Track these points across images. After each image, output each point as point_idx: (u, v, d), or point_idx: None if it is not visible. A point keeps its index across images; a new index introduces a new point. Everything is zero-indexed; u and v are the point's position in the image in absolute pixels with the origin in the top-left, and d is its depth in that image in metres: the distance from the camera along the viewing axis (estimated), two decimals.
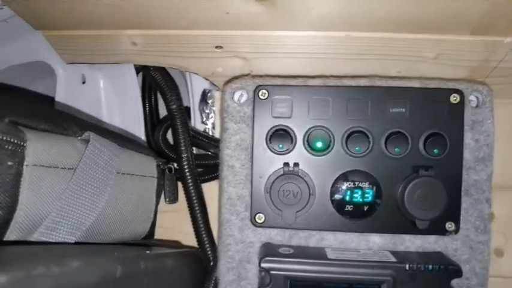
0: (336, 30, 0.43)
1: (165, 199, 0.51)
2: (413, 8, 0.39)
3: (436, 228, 0.43)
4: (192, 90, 0.54)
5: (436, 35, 0.43)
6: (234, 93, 0.45)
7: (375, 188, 0.43)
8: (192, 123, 0.54)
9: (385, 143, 0.43)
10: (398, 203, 0.43)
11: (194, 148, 0.53)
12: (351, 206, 0.44)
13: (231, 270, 0.45)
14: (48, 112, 0.41)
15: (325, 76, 0.46)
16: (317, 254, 0.42)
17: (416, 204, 0.42)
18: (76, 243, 0.36)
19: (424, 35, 0.43)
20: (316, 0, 0.38)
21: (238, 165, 0.45)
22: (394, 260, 0.41)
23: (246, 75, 0.48)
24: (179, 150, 0.49)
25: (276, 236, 0.45)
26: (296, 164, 0.44)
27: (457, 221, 0.43)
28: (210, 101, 0.52)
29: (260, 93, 0.44)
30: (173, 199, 0.52)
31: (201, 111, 0.53)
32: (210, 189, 0.51)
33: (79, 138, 0.39)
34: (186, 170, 0.49)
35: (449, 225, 0.43)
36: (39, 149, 0.33)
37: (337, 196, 0.44)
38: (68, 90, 0.55)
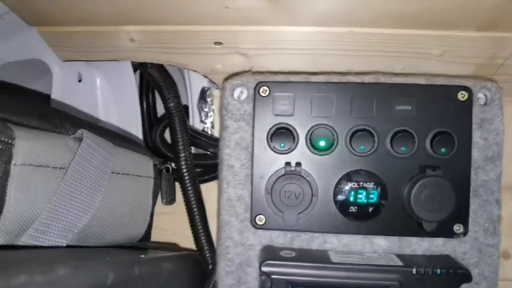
0: (339, 26, 0.42)
1: (162, 200, 0.51)
2: (417, 3, 0.38)
3: (444, 230, 0.42)
4: (191, 88, 0.53)
5: (442, 31, 0.42)
6: (234, 90, 0.44)
7: (380, 188, 0.43)
8: (191, 122, 0.54)
9: (391, 141, 0.42)
10: (405, 204, 0.42)
11: (193, 147, 0.52)
12: (355, 207, 0.43)
13: (230, 273, 0.44)
14: (41, 110, 0.41)
15: (328, 72, 0.45)
16: (320, 258, 0.41)
17: (423, 206, 0.41)
18: (68, 246, 0.35)
19: (429, 31, 0.42)
20: None
21: (238, 165, 0.44)
22: (400, 263, 0.40)
23: (247, 71, 0.47)
24: (177, 150, 0.49)
25: (277, 238, 0.44)
26: (298, 164, 0.43)
27: (465, 223, 0.42)
28: (209, 100, 0.52)
29: (261, 90, 0.43)
30: (170, 200, 0.51)
31: (200, 109, 0.53)
32: (209, 190, 0.51)
33: (72, 136, 0.38)
34: (184, 170, 0.49)
35: (458, 228, 0.42)
36: (29, 147, 0.32)
37: (341, 197, 0.43)
38: (64, 89, 0.55)
